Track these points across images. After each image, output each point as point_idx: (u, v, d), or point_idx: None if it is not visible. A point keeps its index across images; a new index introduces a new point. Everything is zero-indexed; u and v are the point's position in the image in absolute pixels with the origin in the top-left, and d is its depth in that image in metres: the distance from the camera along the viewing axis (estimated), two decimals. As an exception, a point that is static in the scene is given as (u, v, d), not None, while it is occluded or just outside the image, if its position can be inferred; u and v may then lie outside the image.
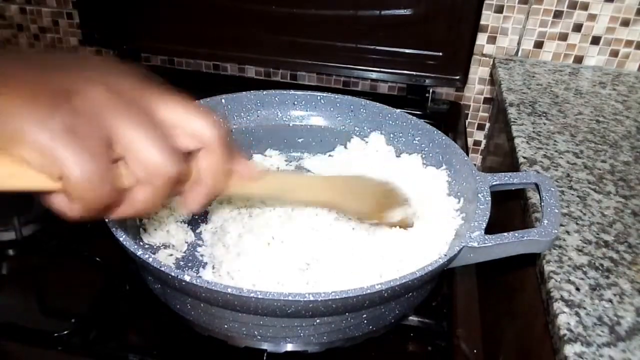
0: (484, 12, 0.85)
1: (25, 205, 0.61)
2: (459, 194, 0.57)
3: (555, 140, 0.67)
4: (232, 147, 0.38)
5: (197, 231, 0.58)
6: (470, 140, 1.00)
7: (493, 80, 0.90)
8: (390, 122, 0.67)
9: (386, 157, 0.66)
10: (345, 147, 0.69)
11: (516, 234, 0.47)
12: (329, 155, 0.70)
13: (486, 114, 0.98)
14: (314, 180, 0.56)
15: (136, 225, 0.56)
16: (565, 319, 0.42)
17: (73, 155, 0.28)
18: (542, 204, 0.50)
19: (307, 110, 0.70)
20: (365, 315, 0.46)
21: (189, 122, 0.35)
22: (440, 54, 0.85)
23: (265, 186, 0.44)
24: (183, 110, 0.35)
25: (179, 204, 0.54)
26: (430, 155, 0.63)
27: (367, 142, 0.68)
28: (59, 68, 0.32)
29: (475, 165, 0.57)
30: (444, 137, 0.62)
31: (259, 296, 0.39)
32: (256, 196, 0.53)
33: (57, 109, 0.29)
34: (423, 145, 0.64)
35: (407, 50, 0.86)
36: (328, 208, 0.54)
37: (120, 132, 0.30)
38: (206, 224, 0.58)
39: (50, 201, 0.32)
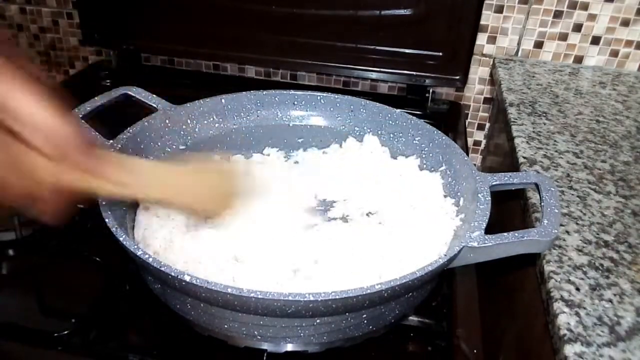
0: (484, 12, 0.85)
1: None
2: (458, 194, 0.57)
3: (555, 140, 0.67)
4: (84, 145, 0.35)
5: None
6: (470, 140, 1.00)
7: (493, 80, 0.90)
8: (390, 122, 0.67)
9: (381, 158, 0.66)
10: (340, 147, 0.69)
11: (516, 234, 0.47)
12: (324, 152, 0.70)
13: (486, 114, 0.98)
14: (155, 174, 0.50)
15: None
16: (565, 319, 0.42)
17: None
18: (542, 204, 0.50)
19: (307, 110, 0.70)
20: (365, 315, 0.46)
21: (40, 116, 0.31)
22: (440, 54, 0.85)
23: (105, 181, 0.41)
24: (36, 104, 0.31)
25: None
26: (430, 155, 0.63)
27: (361, 143, 0.68)
28: None
29: (475, 165, 0.57)
30: (444, 137, 0.62)
31: (259, 296, 0.39)
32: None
33: None
34: (423, 146, 0.64)
35: (407, 50, 0.86)
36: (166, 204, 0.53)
37: None
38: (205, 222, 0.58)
39: None
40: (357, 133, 0.69)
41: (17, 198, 0.32)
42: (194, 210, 0.53)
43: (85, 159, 0.36)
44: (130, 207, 0.56)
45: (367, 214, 0.61)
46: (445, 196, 0.59)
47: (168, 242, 0.53)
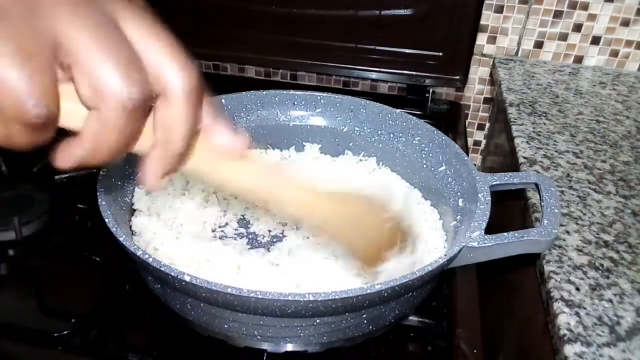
0: (484, 12, 0.85)
1: (25, 205, 0.61)
2: (458, 193, 0.57)
3: (555, 140, 0.67)
4: (212, 109, 0.31)
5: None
6: (470, 140, 1.00)
7: (493, 80, 0.90)
8: (390, 122, 0.67)
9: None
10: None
11: (516, 234, 0.47)
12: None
13: (486, 114, 0.98)
14: (313, 192, 0.39)
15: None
16: (565, 319, 0.42)
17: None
18: (542, 203, 0.50)
19: (307, 110, 0.70)
20: (365, 315, 0.46)
21: (156, 55, 0.27)
22: (440, 54, 0.85)
23: (245, 174, 0.34)
24: (155, 39, 0.27)
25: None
26: (430, 155, 0.63)
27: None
28: None
29: (475, 165, 0.57)
30: (444, 137, 0.62)
31: (259, 296, 0.39)
32: (228, 185, 0.36)
33: None
34: (423, 145, 0.64)
35: (407, 50, 0.86)
36: (317, 233, 0.43)
37: (70, 35, 0.24)
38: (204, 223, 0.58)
39: None
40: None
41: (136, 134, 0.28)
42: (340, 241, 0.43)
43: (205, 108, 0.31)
44: (130, 208, 0.57)
45: None
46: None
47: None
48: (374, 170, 0.67)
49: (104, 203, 0.48)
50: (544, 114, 0.74)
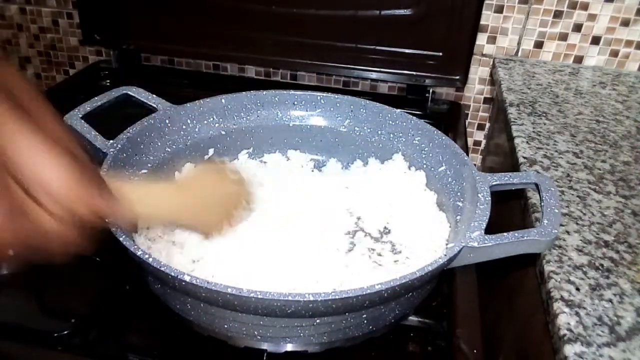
0: (484, 12, 0.85)
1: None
2: (458, 194, 0.57)
3: (555, 140, 0.67)
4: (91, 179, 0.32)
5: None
6: (470, 140, 1.00)
7: (493, 80, 0.90)
8: (390, 122, 0.67)
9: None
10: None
11: (516, 234, 0.47)
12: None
13: (486, 114, 0.98)
14: (162, 191, 0.48)
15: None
16: (565, 319, 0.42)
17: None
18: (542, 203, 0.50)
19: (307, 110, 0.70)
20: (365, 315, 0.46)
21: (37, 171, 0.29)
22: (440, 54, 0.85)
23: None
24: (42, 161, 0.29)
25: None
26: (430, 155, 0.63)
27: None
28: None
29: (475, 165, 0.57)
30: (444, 137, 0.62)
31: (259, 296, 0.39)
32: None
33: None
34: (423, 145, 0.64)
35: (407, 50, 0.86)
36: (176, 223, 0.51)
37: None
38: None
39: None
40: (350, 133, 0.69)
41: (16, 246, 0.30)
42: (195, 227, 0.51)
43: (93, 213, 0.33)
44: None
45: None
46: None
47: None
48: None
49: (104, 203, 0.48)
50: (544, 114, 0.74)
